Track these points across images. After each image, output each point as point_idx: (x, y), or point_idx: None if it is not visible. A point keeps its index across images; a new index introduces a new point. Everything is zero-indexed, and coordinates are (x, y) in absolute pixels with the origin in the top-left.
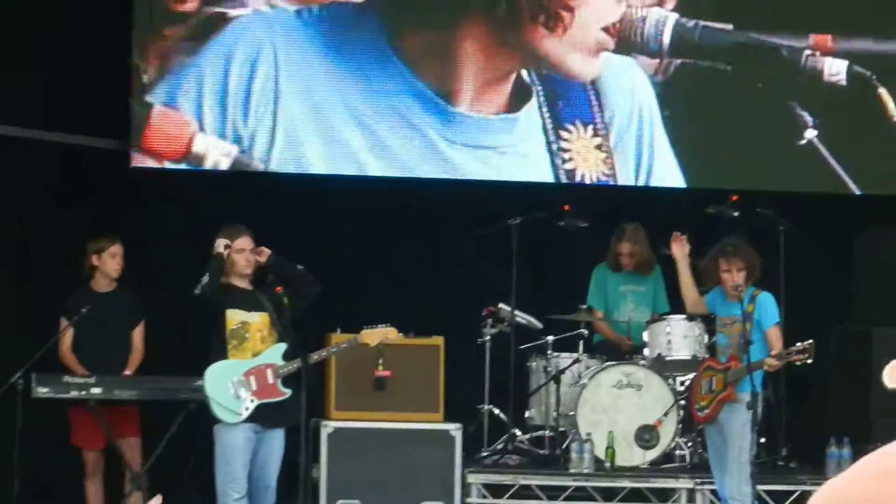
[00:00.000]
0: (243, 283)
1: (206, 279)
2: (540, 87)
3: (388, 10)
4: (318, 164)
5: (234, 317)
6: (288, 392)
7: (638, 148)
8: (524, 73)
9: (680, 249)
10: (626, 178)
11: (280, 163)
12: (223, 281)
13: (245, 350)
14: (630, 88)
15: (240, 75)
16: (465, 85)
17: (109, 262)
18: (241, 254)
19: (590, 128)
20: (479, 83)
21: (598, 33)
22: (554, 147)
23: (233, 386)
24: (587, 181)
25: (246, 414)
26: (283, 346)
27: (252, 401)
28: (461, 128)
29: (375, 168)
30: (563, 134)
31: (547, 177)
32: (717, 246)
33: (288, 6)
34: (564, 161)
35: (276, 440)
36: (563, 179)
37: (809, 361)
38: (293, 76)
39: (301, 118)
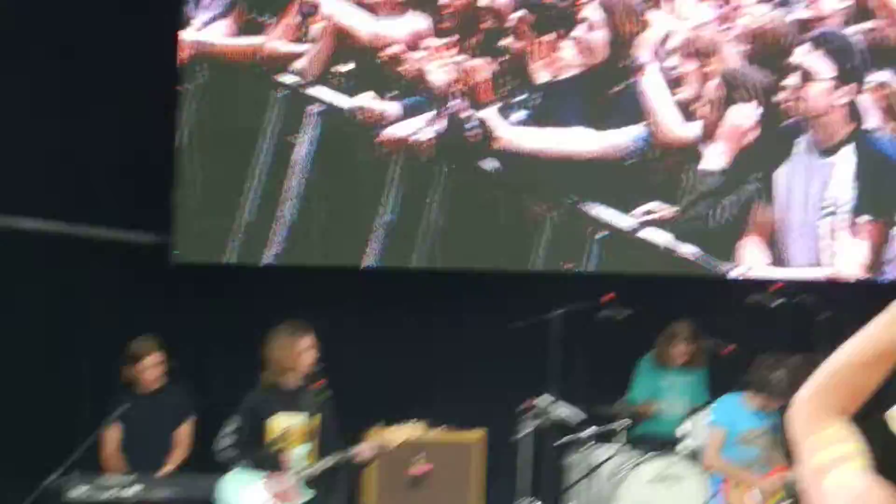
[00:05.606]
0: (293, 383)
1: (234, 452)
2: None
3: None
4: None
5: (279, 422)
6: (307, 495)
7: None
8: None
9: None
10: None
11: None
12: (269, 384)
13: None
14: None
15: None
16: None
17: (143, 375)
18: (309, 353)
19: None
20: None
21: None
22: None
23: (246, 494)
24: None
25: None
26: (307, 446)
27: None
28: None
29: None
30: None
31: None
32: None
33: None
34: None
35: None
36: None
37: None
38: None
39: None
